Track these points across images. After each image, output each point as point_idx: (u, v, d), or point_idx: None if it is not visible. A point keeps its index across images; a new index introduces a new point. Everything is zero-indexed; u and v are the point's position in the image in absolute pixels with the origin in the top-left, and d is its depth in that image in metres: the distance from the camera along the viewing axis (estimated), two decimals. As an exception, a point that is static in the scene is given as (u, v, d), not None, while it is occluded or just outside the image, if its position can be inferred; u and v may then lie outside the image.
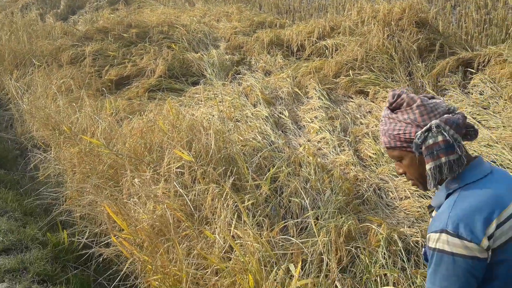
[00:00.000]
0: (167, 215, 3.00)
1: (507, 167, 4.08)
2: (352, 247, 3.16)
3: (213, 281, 2.53)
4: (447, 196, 1.76)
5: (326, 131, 5.22)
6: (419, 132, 1.72)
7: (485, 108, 5.13)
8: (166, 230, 2.88)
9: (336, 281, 2.64)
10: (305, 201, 4.08)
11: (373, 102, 5.83)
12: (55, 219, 4.03)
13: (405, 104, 1.78)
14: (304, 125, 5.64)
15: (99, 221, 3.71)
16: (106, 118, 5.27)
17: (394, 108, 1.82)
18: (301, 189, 4.22)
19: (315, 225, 3.75)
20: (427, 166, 1.75)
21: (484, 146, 4.43)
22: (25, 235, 3.79)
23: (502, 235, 1.64)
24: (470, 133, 1.81)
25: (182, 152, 3.71)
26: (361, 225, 3.41)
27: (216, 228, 2.98)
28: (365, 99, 5.99)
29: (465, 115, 1.77)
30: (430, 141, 1.71)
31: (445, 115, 1.73)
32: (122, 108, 6.09)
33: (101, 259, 3.44)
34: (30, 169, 5.08)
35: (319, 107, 5.79)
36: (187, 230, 2.96)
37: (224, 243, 2.75)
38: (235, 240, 2.85)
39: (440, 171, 1.73)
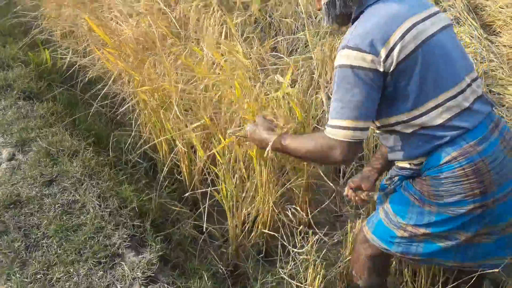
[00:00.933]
0: (151, 30, 2.86)
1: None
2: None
3: (201, 95, 2.48)
4: (353, 22, 1.76)
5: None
6: None
7: None
8: (152, 45, 2.77)
9: (322, 93, 2.62)
10: (296, 24, 3.95)
11: None
12: (35, 38, 3.87)
13: None
14: None
15: (81, 40, 3.56)
16: None
17: None
18: (292, 13, 4.06)
19: (306, 46, 3.66)
20: (322, 1, 1.75)
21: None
22: (5, 54, 3.67)
23: (408, 44, 1.63)
24: None
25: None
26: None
27: (204, 44, 2.87)
28: None
29: None
30: None
31: None
32: None
33: (86, 79, 3.38)
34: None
35: None
36: (173, 47, 2.85)
37: (212, 57, 2.66)
38: (224, 57, 2.76)
39: (334, 6, 1.73)
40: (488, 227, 1.74)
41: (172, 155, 2.84)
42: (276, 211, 2.53)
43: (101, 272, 2.09)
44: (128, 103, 2.92)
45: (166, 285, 2.05)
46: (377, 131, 1.87)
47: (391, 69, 1.63)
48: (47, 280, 2.04)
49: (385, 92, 1.70)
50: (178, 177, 2.96)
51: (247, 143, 2.19)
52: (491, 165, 1.65)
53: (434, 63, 1.66)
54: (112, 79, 2.91)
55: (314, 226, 2.63)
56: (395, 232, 1.83)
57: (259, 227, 2.49)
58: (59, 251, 2.16)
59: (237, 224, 2.46)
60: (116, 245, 2.19)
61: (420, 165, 1.75)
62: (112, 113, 3.37)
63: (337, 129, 1.68)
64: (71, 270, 2.09)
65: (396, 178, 1.89)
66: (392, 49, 1.61)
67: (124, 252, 2.18)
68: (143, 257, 2.16)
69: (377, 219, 1.91)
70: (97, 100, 2.96)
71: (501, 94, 3.39)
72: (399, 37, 1.62)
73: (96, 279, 2.06)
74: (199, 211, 2.63)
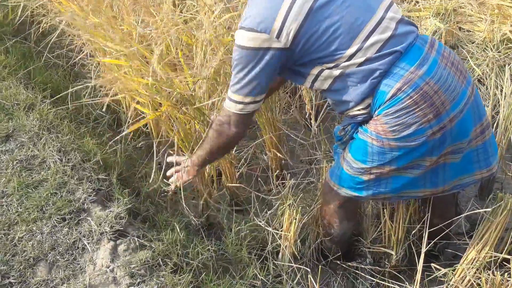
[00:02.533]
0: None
1: None
2: None
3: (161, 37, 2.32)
4: None
5: None
6: None
7: None
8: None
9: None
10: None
11: None
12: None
13: None
14: None
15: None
16: None
17: None
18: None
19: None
20: None
21: None
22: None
23: (298, 13, 1.62)
24: None
25: None
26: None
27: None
28: None
29: None
30: None
31: None
32: None
33: (40, 29, 3.16)
34: None
35: None
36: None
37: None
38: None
39: None
40: (452, 146, 1.74)
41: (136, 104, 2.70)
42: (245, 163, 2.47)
43: (66, 229, 1.99)
44: (84, 52, 2.73)
45: (136, 238, 1.96)
46: (313, 88, 1.83)
47: (290, 41, 1.64)
48: (8, 240, 1.93)
49: (297, 60, 1.71)
50: (144, 129, 2.83)
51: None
52: (437, 84, 1.64)
53: (336, 16, 1.63)
54: (64, 22, 2.68)
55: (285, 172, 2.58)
56: (362, 178, 1.80)
57: (229, 179, 2.41)
58: (20, 209, 2.04)
59: (207, 176, 2.37)
60: (81, 200, 2.08)
61: (369, 107, 1.72)
62: (70, 65, 3.18)
63: (232, 102, 1.77)
64: (34, 228, 1.98)
65: (349, 127, 1.85)
66: (283, 23, 1.62)
67: (90, 207, 2.07)
68: (111, 211, 2.06)
69: (340, 170, 1.88)
70: (48, 50, 2.77)
71: (470, 31, 3.33)
72: (287, 9, 1.62)
73: (61, 237, 1.96)
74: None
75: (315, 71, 1.72)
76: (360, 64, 1.65)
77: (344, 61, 1.65)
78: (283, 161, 2.65)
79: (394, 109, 1.64)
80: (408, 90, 1.62)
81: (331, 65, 1.68)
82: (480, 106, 1.81)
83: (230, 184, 2.42)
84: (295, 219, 2.00)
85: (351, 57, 1.64)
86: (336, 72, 1.68)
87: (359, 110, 1.74)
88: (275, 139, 2.52)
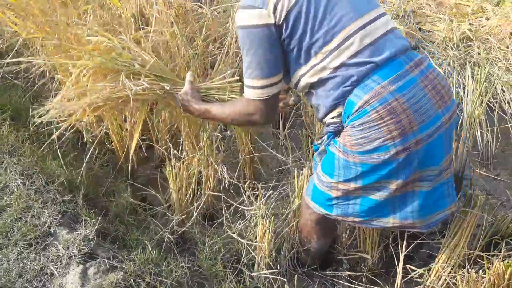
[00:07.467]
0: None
1: None
2: None
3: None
4: None
5: None
6: None
7: None
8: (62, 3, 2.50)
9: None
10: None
11: None
12: None
13: None
14: None
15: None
16: None
17: None
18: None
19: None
20: None
21: None
22: None
23: None
24: None
25: None
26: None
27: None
28: None
29: None
30: None
31: None
32: None
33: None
34: None
35: None
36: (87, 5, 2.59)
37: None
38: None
39: None
40: (419, 172, 1.70)
41: (93, 120, 2.63)
42: (218, 170, 2.42)
43: (33, 255, 1.92)
44: (41, 68, 2.65)
45: (106, 260, 1.91)
46: (297, 89, 1.84)
47: (282, 19, 1.64)
48: (-28, 270, 1.85)
49: (285, 47, 1.71)
50: (110, 146, 2.77)
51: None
52: (407, 103, 1.61)
53: (325, 6, 1.64)
54: (20, 42, 2.60)
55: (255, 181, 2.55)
56: (330, 194, 1.79)
57: (204, 188, 2.37)
58: (-17, 238, 1.96)
59: (180, 188, 2.32)
60: (47, 224, 2.01)
61: (340, 116, 1.72)
62: (30, 85, 3.09)
63: (249, 88, 1.76)
64: (0, 256, 1.90)
65: (325, 136, 1.84)
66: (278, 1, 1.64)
67: (56, 230, 2.01)
68: (78, 233, 2.00)
69: (312, 185, 1.87)
70: (6, 71, 2.68)
71: (430, 31, 3.39)
72: None
73: (29, 263, 1.89)
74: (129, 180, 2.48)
75: (297, 74, 1.74)
76: (335, 69, 1.64)
77: (320, 61, 1.66)
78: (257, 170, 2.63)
79: (360, 122, 1.62)
80: (375, 104, 1.60)
81: (309, 68, 1.69)
82: (452, 136, 1.79)
83: (211, 192, 2.37)
84: (269, 229, 1.97)
85: (328, 55, 1.64)
86: (313, 79, 1.69)
87: (332, 118, 1.74)
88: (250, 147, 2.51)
